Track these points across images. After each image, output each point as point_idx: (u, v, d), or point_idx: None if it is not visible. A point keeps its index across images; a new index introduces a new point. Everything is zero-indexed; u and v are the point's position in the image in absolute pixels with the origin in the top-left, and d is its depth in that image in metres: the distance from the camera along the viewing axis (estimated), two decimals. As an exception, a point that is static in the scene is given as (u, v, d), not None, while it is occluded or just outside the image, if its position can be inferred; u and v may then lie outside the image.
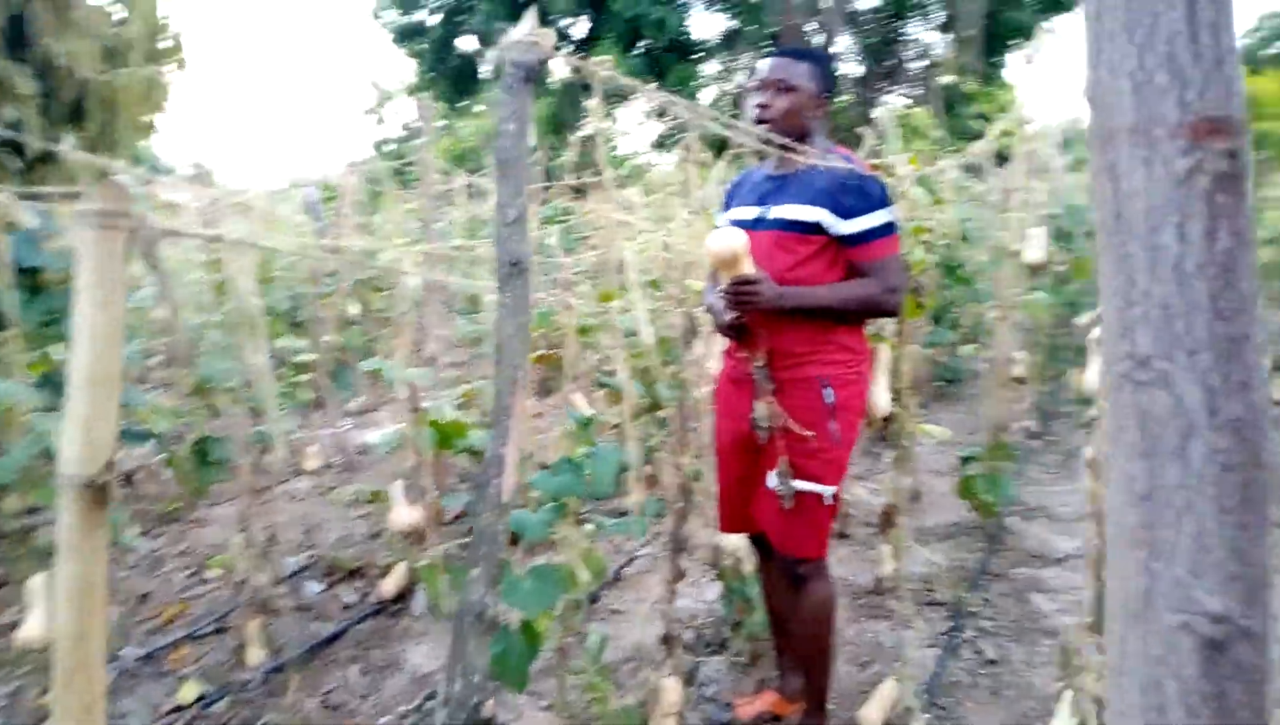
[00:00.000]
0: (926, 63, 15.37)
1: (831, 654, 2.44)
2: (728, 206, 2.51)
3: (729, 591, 2.94)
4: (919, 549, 3.70)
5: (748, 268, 2.16)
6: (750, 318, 2.23)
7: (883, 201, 2.25)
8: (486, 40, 15.29)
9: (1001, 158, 5.85)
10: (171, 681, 2.88)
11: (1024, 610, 3.33)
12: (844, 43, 15.51)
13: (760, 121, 2.31)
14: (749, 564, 2.89)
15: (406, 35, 16.00)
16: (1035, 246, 4.77)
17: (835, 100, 2.40)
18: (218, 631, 3.20)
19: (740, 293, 2.14)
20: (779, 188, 2.33)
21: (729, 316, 2.25)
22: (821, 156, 2.28)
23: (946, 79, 12.99)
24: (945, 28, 15.64)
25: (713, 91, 14.38)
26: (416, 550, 3.37)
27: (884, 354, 2.67)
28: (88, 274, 0.99)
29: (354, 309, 5.81)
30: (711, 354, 2.88)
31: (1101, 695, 1.96)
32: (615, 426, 2.90)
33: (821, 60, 2.40)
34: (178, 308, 1.06)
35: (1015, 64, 16.64)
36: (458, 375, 4.13)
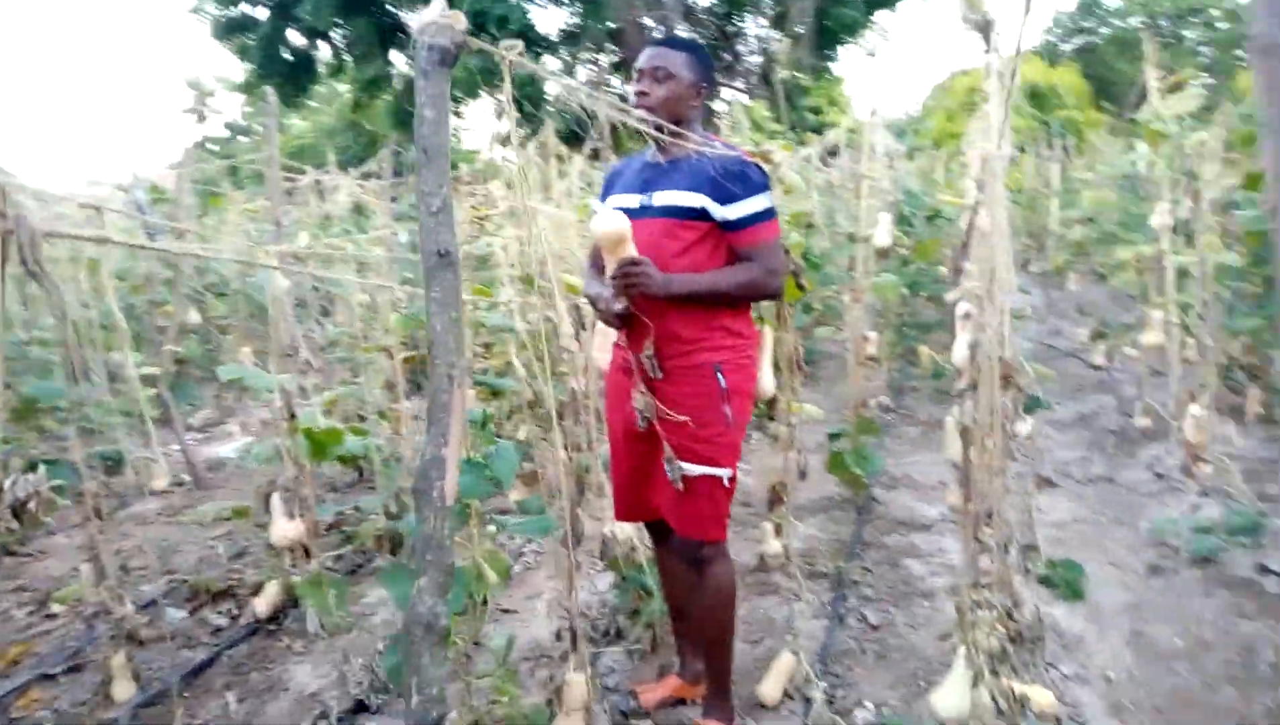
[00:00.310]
0: (761, 59, 15.84)
1: (732, 634, 2.48)
2: (606, 195, 2.50)
3: (623, 580, 2.94)
4: (797, 524, 3.80)
5: (633, 250, 2.17)
6: (637, 305, 2.24)
7: (762, 187, 2.29)
8: (318, 34, 14.67)
9: (831, 152, 6.11)
10: (23, 729, 2.62)
11: (900, 576, 3.48)
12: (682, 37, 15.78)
13: (640, 109, 2.31)
14: (641, 552, 2.89)
15: (230, 30, 15.11)
16: (883, 231, 5.01)
17: (712, 91, 2.42)
18: (72, 670, 2.94)
19: (629, 275, 2.14)
20: (661, 175, 2.34)
21: (618, 304, 2.24)
22: (703, 143, 2.30)
23: (783, 74, 13.43)
24: (777, 23, 16.19)
25: (555, 88, 14.33)
26: (292, 565, 3.20)
27: (767, 337, 2.73)
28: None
29: (194, 317, 5.46)
30: (598, 346, 2.86)
31: (994, 650, 2.07)
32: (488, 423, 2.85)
33: (698, 50, 2.42)
34: (71, 322, 0.94)
35: (846, 58, 17.38)
36: (316, 382, 3.94)
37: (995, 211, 2.89)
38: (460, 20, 1.28)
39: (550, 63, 14.13)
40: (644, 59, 2.38)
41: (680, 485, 2.26)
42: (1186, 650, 2.87)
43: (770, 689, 2.65)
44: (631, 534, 2.96)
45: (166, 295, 5.19)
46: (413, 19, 1.29)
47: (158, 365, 4.77)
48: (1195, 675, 2.73)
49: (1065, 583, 2.74)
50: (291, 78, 14.93)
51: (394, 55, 15.32)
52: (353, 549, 3.71)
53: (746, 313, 2.40)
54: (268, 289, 2.60)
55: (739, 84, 16.50)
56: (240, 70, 17.10)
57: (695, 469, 2.27)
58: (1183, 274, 4.32)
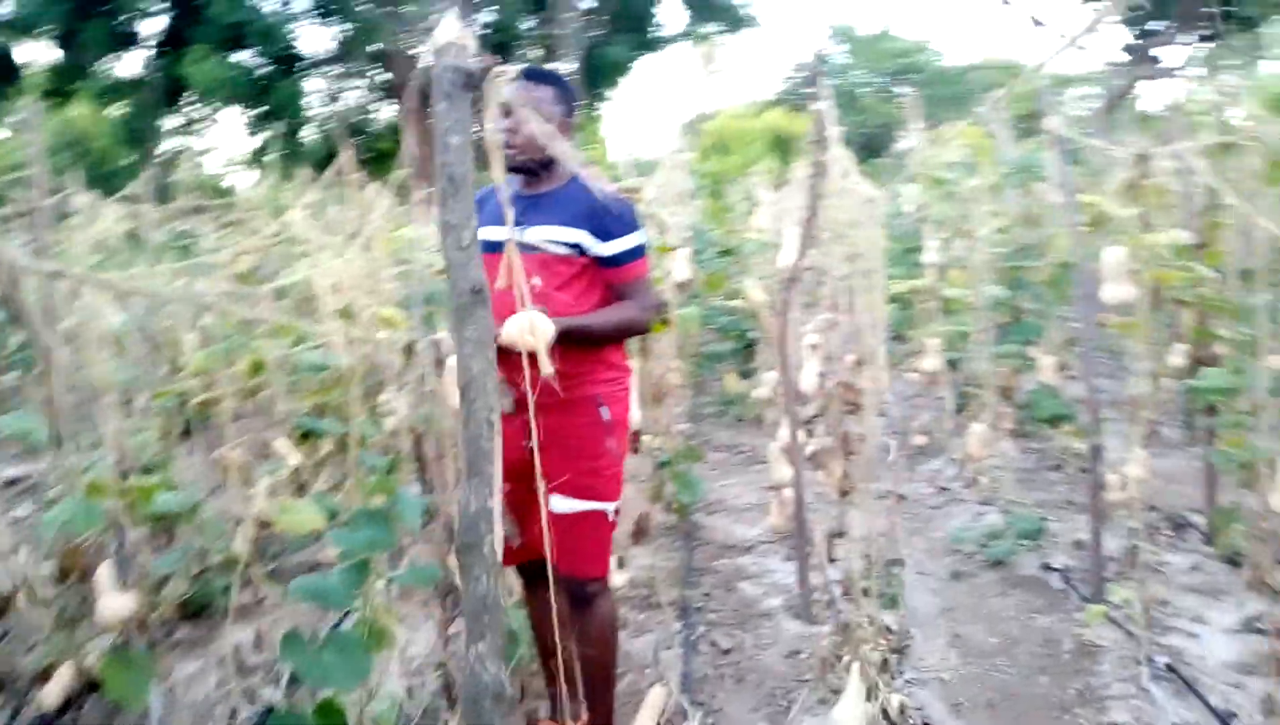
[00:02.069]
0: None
1: (615, 672, 2.45)
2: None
3: (482, 627, 2.82)
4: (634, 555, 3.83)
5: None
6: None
7: (635, 224, 2.33)
8: (27, 34, 13.03)
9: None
10: None
11: (738, 599, 3.60)
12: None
13: (508, 147, 2.28)
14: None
15: None
16: (682, 266, 5.20)
17: (574, 119, 2.43)
18: None
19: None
20: (532, 208, 2.31)
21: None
22: (574, 178, 2.31)
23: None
24: (548, 58, 16.43)
25: (324, 110, 13.69)
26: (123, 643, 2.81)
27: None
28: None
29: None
30: (449, 382, 2.76)
31: (881, 661, 2.19)
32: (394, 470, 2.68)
33: (562, 82, 2.42)
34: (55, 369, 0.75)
35: (613, 98, 17.89)
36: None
37: (830, 250, 3.09)
38: (471, 39, 1.20)
39: (315, 84, 13.53)
40: (508, 93, 2.34)
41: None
42: (1000, 647, 3.16)
43: (645, 723, 2.64)
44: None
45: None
46: (431, 37, 1.17)
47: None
48: (1013, 669, 3.01)
49: (880, 591, 2.96)
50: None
51: (126, 65, 14.02)
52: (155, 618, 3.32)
53: (622, 346, 2.42)
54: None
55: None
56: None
57: (579, 504, 2.25)
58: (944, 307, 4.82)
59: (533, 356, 2.17)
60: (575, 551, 2.28)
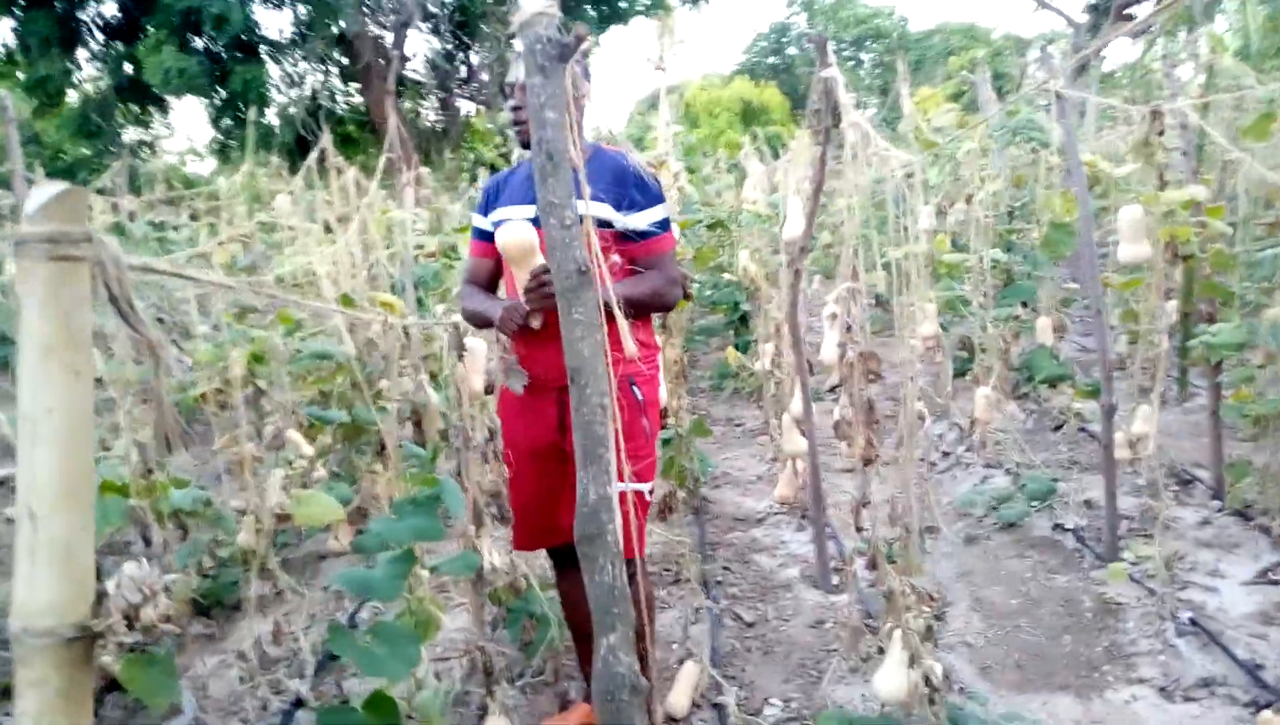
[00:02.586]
0: (499, 68, 15.80)
1: (651, 649, 2.43)
2: (488, 208, 2.38)
3: (510, 613, 2.79)
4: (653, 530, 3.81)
5: (542, 260, 2.09)
6: (547, 319, 2.15)
7: (660, 196, 2.28)
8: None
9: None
10: None
11: (755, 571, 3.59)
12: (415, 47, 15.39)
13: (516, 124, 2.26)
14: (530, 580, 2.77)
15: None
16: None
17: (589, 94, 2.36)
18: None
19: (545, 284, 2.04)
20: None
21: (535, 320, 2.13)
22: (595, 153, 2.27)
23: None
24: (514, 36, 16.08)
25: (285, 96, 13.39)
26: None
27: None
28: (41, 328, 0.65)
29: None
30: (469, 367, 2.70)
31: (925, 629, 2.18)
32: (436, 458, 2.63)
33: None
34: (163, 373, 0.71)
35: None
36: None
37: (849, 223, 3.06)
38: (558, 9, 1.15)
39: (275, 69, 13.22)
40: (514, 74, 2.29)
41: None
42: (1021, 608, 3.18)
43: (679, 700, 2.63)
44: (502, 563, 2.83)
45: None
46: (517, 12, 1.11)
47: None
48: (1037, 630, 3.03)
49: (900, 557, 2.96)
50: None
51: (77, 55, 13.61)
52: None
53: (649, 324, 2.38)
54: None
55: (473, 95, 16.34)
56: None
57: (618, 486, 2.22)
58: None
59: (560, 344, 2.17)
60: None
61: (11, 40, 13.24)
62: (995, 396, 4.24)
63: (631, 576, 2.28)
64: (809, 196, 3.43)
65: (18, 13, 12.49)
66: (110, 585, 0.89)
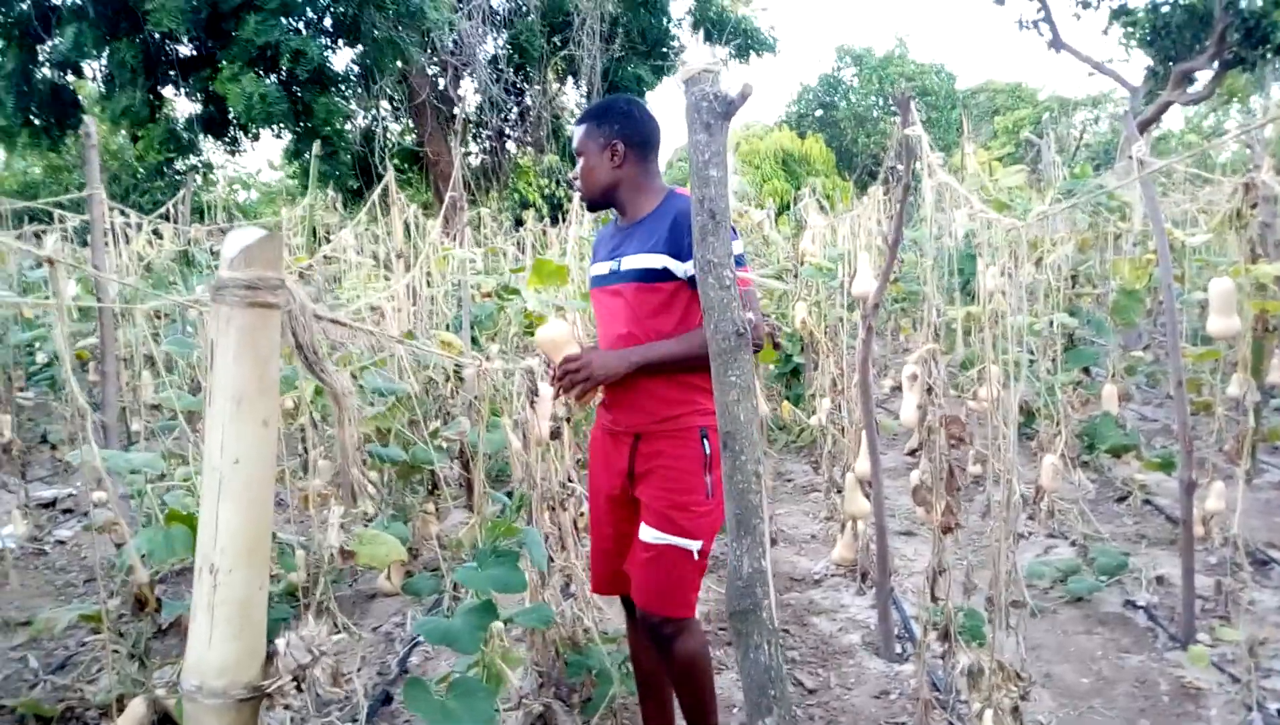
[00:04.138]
0: (549, 113, 16.01)
1: (712, 708, 2.34)
2: (593, 262, 2.44)
3: (569, 666, 2.72)
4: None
5: (572, 349, 2.21)
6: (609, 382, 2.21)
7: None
8: (72, 67, 12.98)
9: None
10: None
11: (814, 635, 3.49)
12: (469, 87, 15.62)
13: (575, 188, 2.42)
14: (591, 632, 2.71)
15: None
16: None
17: (638, 143, 2.36)
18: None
19: (566, 374, 2.16)
20: (626, 239, 2.32)
21: (573, 400, 2.26)
22: (664, 202, 2.26)
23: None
24: (563, 79, 16.46)
25: (349, 129, 13.63)
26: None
27: None
28: (234, 375, 0.62)
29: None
30: (542, 413, 2.67)
31: (1012, 708, 2.09)
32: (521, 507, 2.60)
33: (600, 112, 2.36)
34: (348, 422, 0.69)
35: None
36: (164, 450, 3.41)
37: (930, 280, 3.01)
38: (722, 65, 1.13)
39: (342, 104, 13.47)
40: (576, 140, 2.38)
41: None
42: (1094, 689, 3.06)
43: (743, 769, 2.54)
44: (569, 616, 2.77)
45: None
46: (682, 71, 1.09)
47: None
48: (1112, 712, 2.90)
49: (969, 629, 2.85)
50: (57, 118, 13.02)
51: (158, 88, 13.98)
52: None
53: None
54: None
55: (527, 137, 16.54)
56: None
57: (664, 538, 2.17)
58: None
59: (636, 390, 2.19)
60: (654, 587, 2.20)
61: (98, 71, 13.67)
62: (1061, 464, 4.13)
63: (671, 637, 2.22)
64: (883, 251, 3.38)
65: (103, 49, 12.91)
66: (280, 644, 0.86)
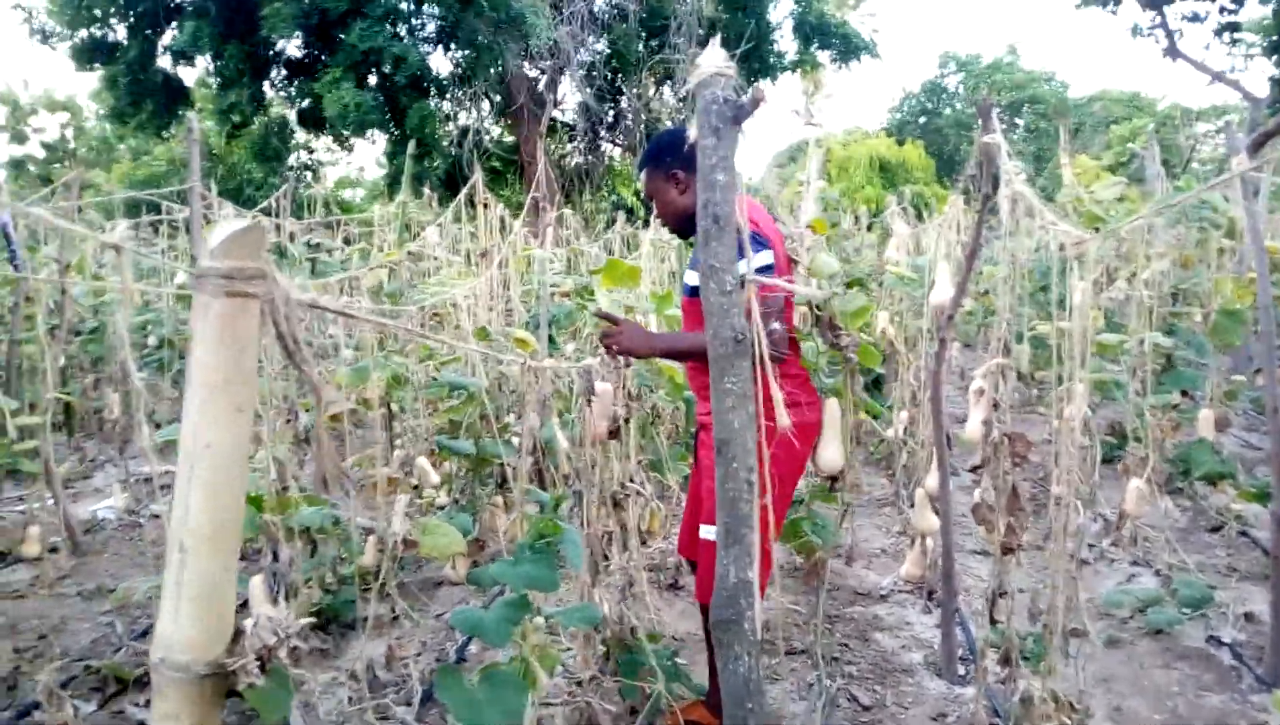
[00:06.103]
0: (645, 118, 16.10)
1: None
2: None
3: (621, 665, 2.74)
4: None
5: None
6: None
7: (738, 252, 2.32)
8: (186, 59, 13.80)
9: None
10: None
11: (874, 651, 3.42)
12: (566, 90, 15.83)
13: (659, 217, 2.60)
14: (639, 630, 2.72)
15: (89, 55, 13.86)
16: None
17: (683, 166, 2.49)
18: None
19: (605, 335, 2.33)
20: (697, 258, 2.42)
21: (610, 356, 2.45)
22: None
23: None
24: (661, 83, 16.53)
25: (444, 132, 13.99)
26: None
27: (832, 408, 2.69)
28: (211, 362, 0.65)
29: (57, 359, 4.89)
30: (596, 412, 2.69)
31: (1066, 741, 2.01)
32: (559, 506, 2.68)
33: (653, 155, 2.51)
34: (323, 412, 0.73)
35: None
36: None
37: (1003, 294, 2.93)
38: (731, 69, 1.13)
39: (444, 106, 13.88)
40: (639, 175, 2.61)
41: None
42: (1168, 726, 2.91)
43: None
44: (618, 615, 2.78)
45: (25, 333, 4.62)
46: (693, 71, 1.10)
47: (36, 412, 4.23)
48: (1185, 752, 2.77)
49: (1035, 655, 2.74)
50: (167, 105, 13.92)
51: (263, 86, 14.65)
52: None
53: (802, 378, 2.43)
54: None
55: (621, 140, 16.67)
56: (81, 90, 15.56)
57: (710, 532, 2.29)
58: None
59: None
60: (702, 579, 2.35)
61: (205, 69, 14.46)
62: (1148, 489, 3.94)
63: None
64: (961, 263, 3.30)
65: (216, 47, 13.59)
66: (247, 624, 0.89)
